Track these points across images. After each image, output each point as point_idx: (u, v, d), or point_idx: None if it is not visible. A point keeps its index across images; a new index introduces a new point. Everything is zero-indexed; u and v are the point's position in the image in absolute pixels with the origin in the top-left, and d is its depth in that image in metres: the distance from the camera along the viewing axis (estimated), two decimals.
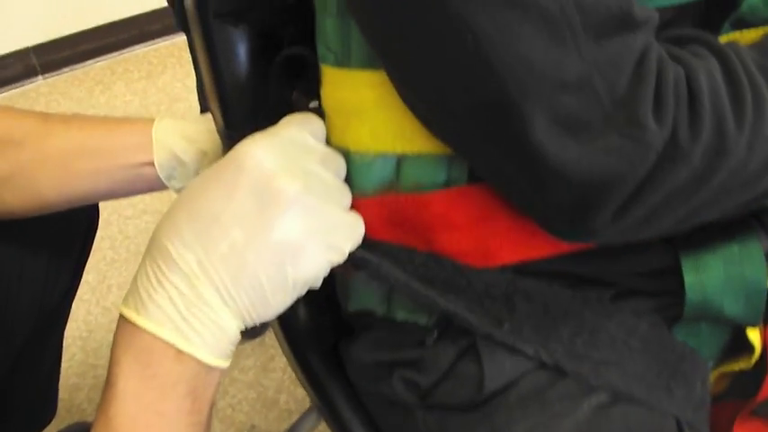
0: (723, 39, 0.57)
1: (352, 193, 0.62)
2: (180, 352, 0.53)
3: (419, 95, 0.55)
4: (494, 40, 0.46)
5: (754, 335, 0.70)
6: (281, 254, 0.54)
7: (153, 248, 0.56)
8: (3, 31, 2.30)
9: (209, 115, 0.79)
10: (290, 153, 0.57)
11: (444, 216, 0.61)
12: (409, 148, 0.60)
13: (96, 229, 1.09)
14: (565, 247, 0.62)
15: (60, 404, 1.47)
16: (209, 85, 0.73)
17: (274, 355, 1.51)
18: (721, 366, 0.74)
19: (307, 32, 0.66)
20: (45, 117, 0.83)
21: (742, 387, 0.75)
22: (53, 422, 1.43)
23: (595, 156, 0.48)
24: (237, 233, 0.54)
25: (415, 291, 0.62)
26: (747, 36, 0.58)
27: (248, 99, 0.73)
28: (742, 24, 0.58)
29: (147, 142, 0.82)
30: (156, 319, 0.53)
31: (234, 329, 0.55)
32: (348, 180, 0.64)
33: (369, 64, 0.58)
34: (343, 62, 0.60)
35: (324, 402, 0.83)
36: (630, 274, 0.66)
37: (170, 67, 2.45)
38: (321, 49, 0.63)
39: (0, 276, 0.90)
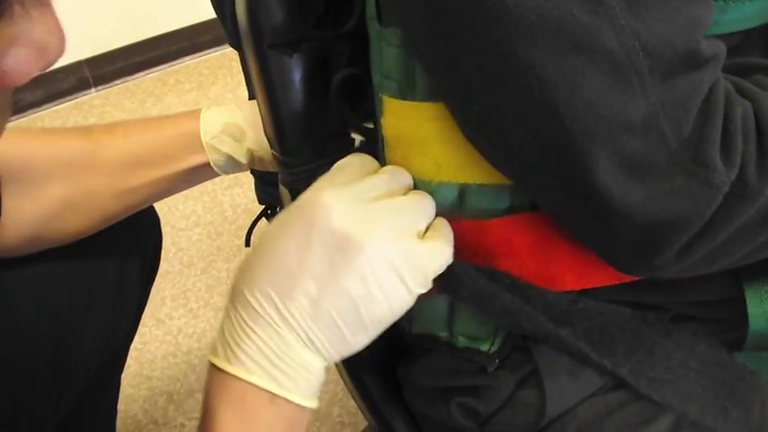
0: None
1: None
2: (274, 396, 0.55)
3: (483, 136, 0.54)
4: (559, 85, 0.45)
5: None
6: (354, 299, 0.55)
7: (234, 299, 0.57)
8: None
9: (244, 104, 0.86)
10: (355, 195, 0.58)
11: (506, 243, 0.61)
12: (472, 179, 0.59)
13: (159, 261, 1.12)
14: (627, 277, 0.61)
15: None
16: (264, 113, 0.73)
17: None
18: None
19: (358, 53, 0.67)
20: (87, 130, 0.84)
21: None
22: None
23: (661, 197, 0.48)
24: (311, 285, 0.55)
25: (502, 303, 0.62)
26: None
27: (303, 125, 0.73)
28: None
29: (198, 144, 0.84)
30: (247, 367, 0.55)
31: (320, 369, 0.57)
32: None
33: (432, 96, 0.58)
34: (406, 94, 0.60)
35: (382, 426, 0.83)
36: (693, 303, 0.66)
37: (221, 77, 2.47)
38: (377, 77, 0.63)
39: (71, 299, 0.91)
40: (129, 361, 1.62)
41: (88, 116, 2.36)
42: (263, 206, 1.63)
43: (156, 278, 1.78)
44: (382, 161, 0.66)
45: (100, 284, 0.94)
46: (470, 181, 0.60)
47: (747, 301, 0.63)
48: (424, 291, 0.58)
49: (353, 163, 0.62)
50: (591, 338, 0.63)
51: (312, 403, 0.58)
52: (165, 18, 2.47)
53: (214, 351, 0.58)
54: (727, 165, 0.47)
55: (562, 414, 0.64)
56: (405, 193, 0.61)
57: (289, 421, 0.57)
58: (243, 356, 0.55)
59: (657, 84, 0.45)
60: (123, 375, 1.59)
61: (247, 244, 1.46)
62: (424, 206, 0.60)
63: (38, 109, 2.39)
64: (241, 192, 2.00)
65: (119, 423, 1.51)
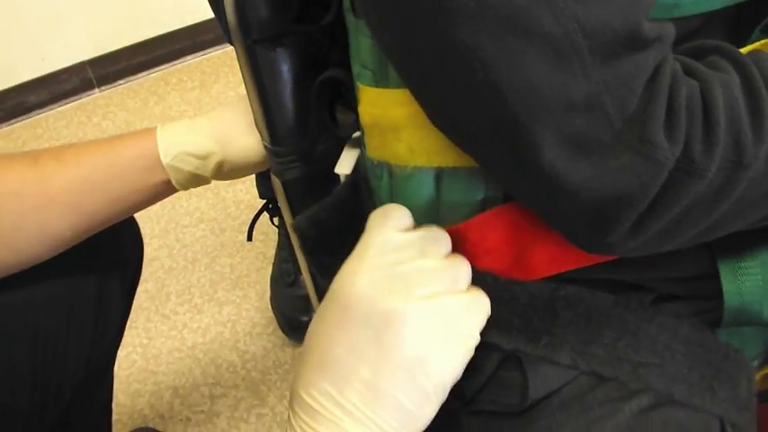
0: (755, 46, 0.57)
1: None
2: None
3: (437, 118, 0.56)
4: (500, 66, 0.47)
5: None
6: (411, 369, 0.55)
7: (294, 403, 0.57)
8: (59, 47, 2.36)
9: (207, 115, 0.83)
10: (385, 265, 0.58)
11: (483, 241, 0.63)
12: (445, 162, 0.61)
13: (140, 273, 1.10)
14: (601, 258, 0.62)
15: (122, 410, 1.53)
16: (254, 105, 0.75)
17: None
18: (766, 366, 0.74)
19: (342, 46, 0.68)
20: (33, 158, 0.79)
21: None
22: (116, 426, 1.48)
23: (606, 174, 0.49)
24: (363, 368, 0.55)
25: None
26: None
27: (292, 116, 0.75)
28: None
29: (157, 165, 0.81)
30: None
31: None
32: (394, 192, 0.65)
33: (403, 83, 0.59)
34: (380, 81, 0.62)
35: None
36: (669, 279, 0.67)
37: (223, 75, 2.48)
38: (356, 68, 0.65)
39: (49, 320, 0.90)
40: (135, 356, 1.65)
41: (92, 116, 2.38)
42: (264, 201, 1.65)
43: (161, 274, 1.82)
44: (364, 150, 0.68)
45: (80, 301, 0.93)
46: (443, 164, 0.61)
47: (721, 278, 0.64)
48: (476, 342, 0.59)
49: (375, 221, 0.61)
50: (576, 327, 0.65)
51: None
52: (166, 18, 2.48)
53: None
54: (671, 141, 0.48)
55: (546, 394, 0.66)
56: (442, 253, 0.61)
57: None
58: None
59: (598, 64, 0.47)
60: (129, 372, 1.62)
61: (249, 238, 1.48)
62: (454, 268, 0.60)
63: (42, 110, 2.41)
64: (244, 188, 2.02)
65: (125, 418, 1.53)
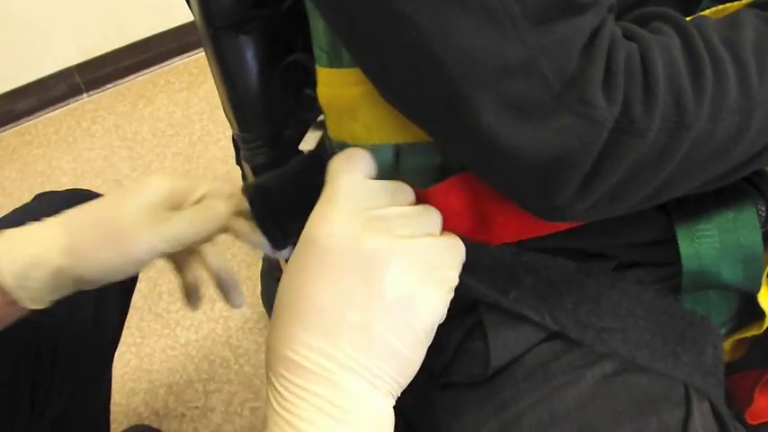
0: (704, 13, 0.58)
1: None
2: None
3: (384, 91, 0.57)
4: (435, 34, 0.47)
5: (765, 301, 0.70)
6: (401, 310, 0.53)
7: (275, 365, 0.53)
8: (46, 53, 2.37)
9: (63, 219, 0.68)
10: (358, 210, 0.56)
11: (445, 206, 0.63)
12: (401, 138, 0.62)
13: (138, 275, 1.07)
14: (562, 225, 0.63)
15: (118, 408, 1.54)
16: (221, 91, 0.76)
17: None
18: (736, 334, 0.75)
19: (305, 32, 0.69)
20: None
21: (764, 355, 0.76)
22: (112, 425, 1.49)
23: (547, 136, 0.49)
24: (355, 314, 0.52)
25: None
26: (730, 10, 0.58)
27: (258, 102, 0.76)
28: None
29: None
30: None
31: (389, 411, 0.54)
32: None
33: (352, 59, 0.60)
34: (334, 62, 0.62)
35: None
36: (629, 246, 0.67)
37: (209, 76, 2.48)
38: (316, 51, 0.65)
39: (50, 320, 0.89)
40: (129, 356, 1.66)
41: (81, 121, 2.39)
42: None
43: (153, 274, 1.83)
44: (326, 132, 0.69)
45: (80, 300, 0.88)
46: (401, 141, 0.62)
47: (679, 242, 0.65)
48: (456, 283, 0.57)
49: (339, 165, 0.59)
50: (539, 292, 0.65)
51: None
52: (152, 20, 2.50)
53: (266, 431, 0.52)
54: (609, 102, 0.48)
55: (509, 363, 0.67)
56: (410, 202, 0.60)
57: None
58: (301, 424, 0.50)
59: (533, 28, 0.47)
60: (124, 371, 1.63)
61: None
62: (428, 213, 0.59)
63: (31, 117, 2.42)
64: None
65: (121, 416, 1.55)
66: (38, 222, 0.68)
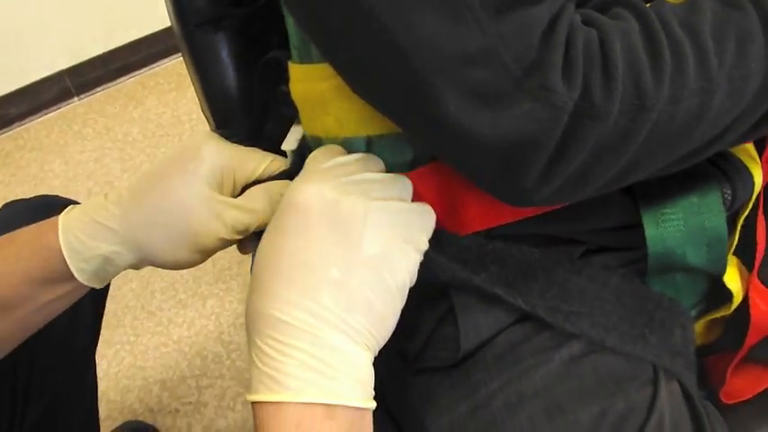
0: None
1: None
2: (330, 408, 0.52)
3: (352, 82, 0.58)
4: (397, 25, 0.49)
5: (732, 282, 0.72)
6: (377, 266, 0.55)
7: (259, 325, 0.54)
8: (36, 58, 2.38)
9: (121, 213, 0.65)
10: (334, 176, 0.58)
11: (415, 198, 0.65)
12: (372, 131, 0.63)
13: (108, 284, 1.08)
14: (528, 210, 0.65)
15: (112, 405, 1.56)
16: (197, 89, 0.78)
17: None
18: (707, 315, 0.76)
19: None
20: None
21: (737, 337, 0.76)
22: (107, 422, 1.51)
23: (508, 122, 0.50)
24: (333, 270, 0.54)
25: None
26: None
27: (236, 99, 0.78)
28: None
29: (59, 267, 0.66)
30: (294, 389, 0.52)
31: (369, 365, 0.55)
32: None
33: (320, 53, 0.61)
34: (304, 57, 0.64)
35: None
36: (597, 231, 0.69)
37: None
38: (291, 48, 0.67)
39: None
40: (123, 353, 1.68)
41: (72, 124, 2.40)
42: None
43: (146, 273, 1.85)
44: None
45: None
46: (371, 133, 0.63)
47: (645, 225, 0.66)
48: (426, 247, 0.59)
49: (318, 152, 0.62)
50: (506, 280, 0.67)
51: (370, 403, 0.55)
52: (140, 23, 2.51)
53: (254, 390, 0.54)
54: (569, 86, 0.49)
55: (480, 346, 0.68)
56: (382, 171, 0.62)
57: (351, 429, 0.53)
58: (287, 380, 0.52)
59: (492, 17, 0.49)
60: (118, 368, 1.65)
61: None
62: (399, 181, 0.61)
63: (23, 121, 2.43)
64: None
65: (115, 413, 1.56)
66: (96, 208, 0.66)
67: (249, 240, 0.70)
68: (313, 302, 0.53)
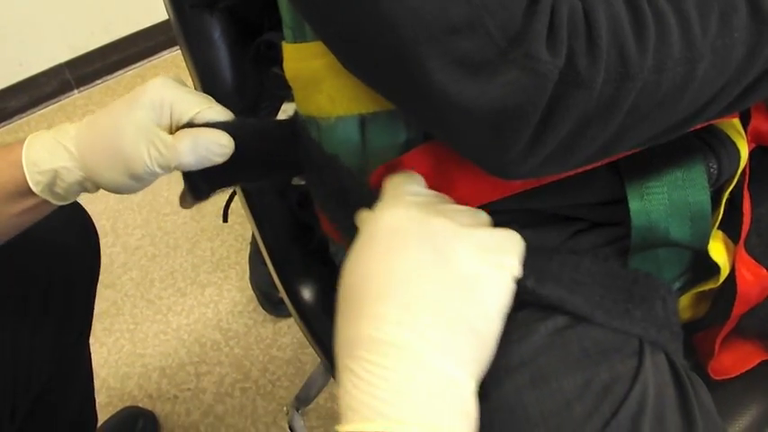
0: None
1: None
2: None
3: (343, 57, 0.59)
4: None
5: (719, 255, 0.72)
6: (473, 287, 0.54)
7: (357, 351, 0.52)
8: (36, 51, 2.39)
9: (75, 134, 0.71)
10: (419, 203, 0.59)
11: None
12: (364, 108, 0.64)
13: (99, 262, 1.11)
14: (516, 186, 0.66)
15: (113, 393, 1.57)
16: (191, 71, 0.79)
17: None
18: (693, 288, 0.77)
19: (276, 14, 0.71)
20: None
21: (724, 309, 0.77)
22: (107, 408, 1.53)
23: (494, 91, 0.51)
24: (431, 287, 0.53)
25: None
26: None
27: (230, 80, 0.79)
28: None
29: (23, 179, 0.70)
30: (395, 419, 0.49)
31: (474, 396, 0.53)
32: (324, 144, 0.69)
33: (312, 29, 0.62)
34: (298, 36, 0.65)
35: (328, 358, 0.90)
36: (583, 205, 0.70)
37: None
38: (284, 30, 0.68)
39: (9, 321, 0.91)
40: (123, 341, 1.70)
41: (72, 116, 2.41)
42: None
43: (145, 262, 1.86)
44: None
45: (33, 295, 0.95)
46: (364, 111, 0.65)
47: (629, 198, 0.67)
48: (519, 274, 0.58)
49: (393, 180, 0.63)
50: None
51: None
52: (139, 15, 2.51)
53: (343, 420, 0.51)
54: (553, 55, 0.50)
55: None
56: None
57: None
58: (384, 407, 0.49)
59: None
60: (118, 356, 1.66)
61: (225, 220, 1.52)
62: (481, 211, 0.62)
63: (23, 114, 2.44)
64: None
65: (115, 400, 1.58)
66: (58, 131, 0.72)
67: (185, 194, 0.74)
68: (413, 318, 0.51)
